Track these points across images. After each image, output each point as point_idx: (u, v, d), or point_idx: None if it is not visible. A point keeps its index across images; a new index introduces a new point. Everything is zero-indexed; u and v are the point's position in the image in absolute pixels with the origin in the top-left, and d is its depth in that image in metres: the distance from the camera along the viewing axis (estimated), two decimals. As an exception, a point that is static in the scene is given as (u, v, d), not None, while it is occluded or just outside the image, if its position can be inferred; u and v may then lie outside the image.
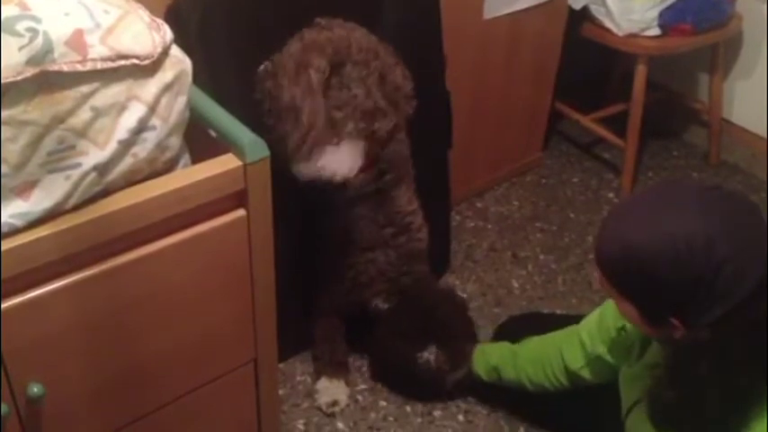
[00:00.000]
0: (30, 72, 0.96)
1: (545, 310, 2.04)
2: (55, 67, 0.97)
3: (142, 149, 1.11)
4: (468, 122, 2.20)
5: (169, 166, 1.19)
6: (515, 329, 1.73)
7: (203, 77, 1.41)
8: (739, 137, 2.65)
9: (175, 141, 1.16)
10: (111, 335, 1.20)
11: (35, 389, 1.12)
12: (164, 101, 1.10)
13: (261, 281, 1.34)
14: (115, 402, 1.27)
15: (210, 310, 1.31)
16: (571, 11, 2.32)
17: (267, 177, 1.27)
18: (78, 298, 1.13)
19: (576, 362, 1.52)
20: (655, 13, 2.24)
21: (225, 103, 1.28)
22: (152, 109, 1.09)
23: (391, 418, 1.78)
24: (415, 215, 1.75)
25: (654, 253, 1.08)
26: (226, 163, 1.21)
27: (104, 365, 1.21)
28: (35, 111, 0.98)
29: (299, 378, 1.88)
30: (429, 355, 1.74)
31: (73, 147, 1.03)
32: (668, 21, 2.25)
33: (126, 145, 1.08)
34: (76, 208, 1.09)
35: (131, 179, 1.13)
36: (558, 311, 2.04)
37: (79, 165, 1.05)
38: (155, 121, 1.10)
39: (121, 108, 1.06)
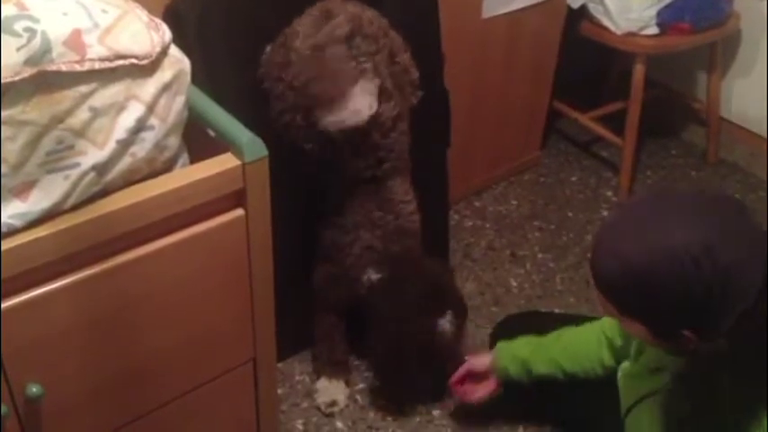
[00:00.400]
0: (28, 72, 0.96)
1: (543, 309, 2.04)
2: (53, 67, 0.97)
3: (141, 149, 1.11)
4: (467, 121, 2.20)
5: (168, 166, 1.19)
6: (513, 328, 1.73)
7: (202, 77, 1.41)
8: (738, 135, 2.65)
9: (174, 141, 1.16)
10: (111, 334, 1.20)
11: (34, 389, 1.12)
12: (162, 101, 1.10)
13: (260, 280, 1.34)
14: (114, 402, 1.27)
15: (209, 309, 1.31)
16: (569, 9, 2.32)
17: (266, 177, 1.27)
18: (77, 298, 1.13)
19: (611, 359, 1.50)
20: (653, 11, 2.24)
21: (223, 103, 1.28)
22: (150, 109, 1.09)
23: (390, 418, 1.78)
24: (409, 204, 1.75)
25: (658, 271, 1.06)
26: (224, 162, 1.21)
27: (103, 365, 1.21)
28: (33, 111, 0.98)
29: (297, 378, 1.88)
30: (446, 323, 1.69)
31: (71, 147, 1.03)
32: (666, 19, 2.25)
33: (124, 145, 1.08)
34: (75, 208, 1.08)
35: (130, 179, 1.13)
36: (557, 310, 2.04)
37: (78, 165, 1.04)
38: (153, 120, 1.10)
39: (120, 108, 1.06)
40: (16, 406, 1.14)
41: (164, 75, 1.09)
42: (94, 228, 1.10)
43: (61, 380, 1.17)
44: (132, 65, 1.05)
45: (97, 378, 1.22)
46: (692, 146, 2.74)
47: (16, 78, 0.95)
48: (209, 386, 1.38)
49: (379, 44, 1.54)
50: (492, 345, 1.79)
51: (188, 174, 1.19)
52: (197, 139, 1.25)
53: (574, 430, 1.68)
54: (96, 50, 1.01)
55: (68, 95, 1.00)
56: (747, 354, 1.08)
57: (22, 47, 0.95)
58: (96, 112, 1.04)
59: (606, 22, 2.31)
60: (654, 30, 2.27)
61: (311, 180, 1.72)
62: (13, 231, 1.04)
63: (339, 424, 1.77)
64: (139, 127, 1.09)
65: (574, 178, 2.57)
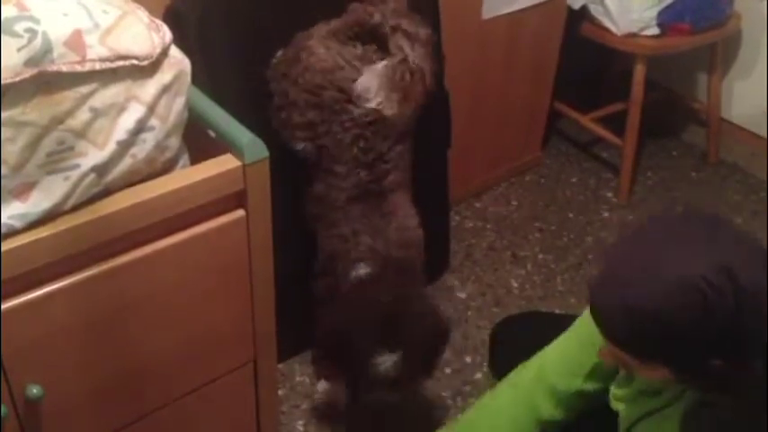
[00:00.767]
0: (28, 73, 0.95)
1: (544, 310, 2.04)
2: (54, 68, 0.97)
3: (141, 150, 1.10)
4: (467, 122, 2.20)
5: (168, 167, 1.18)
6: (514, 329, 1.72)
7: (202, 78, 1.41)
8: (738, 136, 2.65)
9: (174, 142, 1.16)
10: (111, 335, 1.20)
11: (34, 390, 1.11)
12: (162, 101, 1.10)
13: (260, 281, 1.34)
14: (114, 402, 1.26)
15: (209, 310, 1.31)
16: (570, 10, 2.32)
17: (266, 178, 1.26)
18: (77, 299, 1.13)
19: (548, 410, 1.37)
20: (653, 12, 2.24)
21: (224, 104, 1.28)
22: (151, 109, 1.09)
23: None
24: (411, 218, 1.72)
25: (678, 308, 0.98)
26: (225, 163, 1.20)
27: (103, 366, 1.21)
28: (34, 112, 0.98)
29: (298, 379, 1.88)
30: (391, 360, 1.49)
31: (72, 148, 1.03)
32: (667, 20, 2.25)
33: (125, 146, 1.08)
34: (75, 209, 1.08)
35: (130, 180, 1.13)
36: (558, 311, 2.04)
37: (78, 166, 1.04)
38: (153, 121, 1.10)
39: (120, 109, 1.06)
40: (16, 407, 1.14)
41: (164, 76, 1.09)
42: (95, 228, 1.10)
43: (61, 380, 1.17)
44: (133, 65, 1.04)
45: (97, 379, 1.22)
46: (693, 146, 2.74)
47: (17, 79, 0.95)
48: (209, 387, 1.38)
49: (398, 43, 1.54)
50: (492, 345, 1.79)
51: (188, 175, 1.19)
52: (197, 140, 1.25)
53: None
54: (97, 51, 1.01)
55: (69, 96, 1.00)
56: None
57: (23, 47, 0.95)
58: (97, 113, 1.03)
59: (607, 23, 2.31)
60: (654, 30, 2.27)
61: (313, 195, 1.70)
62: (13, 232, 1.03)
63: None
64: (140, 128, 1.09)
65: (574, 179, 2.57)
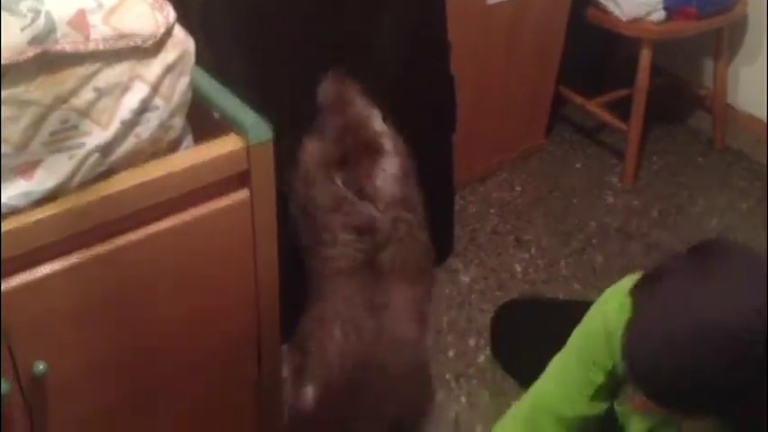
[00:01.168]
0: (32, 52, 0.96)
1: (547, 294, 2.04)
2: (57, 48, 0.98)
3: (145, 130, 1.11)
4: (471, 107, 2.20)
5: (172, 147, 1.19)
6: (516, 313, 1.73)
7: (206, 62, 1.42)
8: (744, 122, 2.64)
9: (178, 122, 1.17)
10: (115, 314, 1.21)
11: (40, 366, 1.13)
12: (166, 81, 1.10)
13: (264, 261, 1.35)
14: (118, 379, 1.28)
15: (213, 290, 1.32)
16: (575, -5, 2.32)
17: (270, 158, 1.27)
18: (82, 277, 1.14)
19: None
20: (659, -3, 2.24)
21: (228, 85, 1.29)
22: (155, 89, 1.09)
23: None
24: (409, 323, 1.51)
25: (728, 362, 0.93)
26: (229, 144, 1.21)
27: (108, 343, 1.22)
28: (37, 91, 0.98)
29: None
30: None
31: (76, 127, 1.04)
32: (673, 4, 2.24)
33: (129, 125, 1.09)
34: (80, 188, 1.09)
35: (135, 159, 1.14)
36: (561, 295, 2.04)
37: (82, 145, 1.05)
38: (157, 101, 1.10)
39: (124, 88, 1.07)
40: (21, 383, 1.15)
41: (168, 55, 1.10)
42: (99, 208, 1.11)
43: (66, 357, 1.18)
44: (137, 45, 1.05)
45: (101, 356, 1.23)
46: (698, 132, 2.73)
47: (20, 58, 0.95)
48: (211, 366, 1.39)
49: None
50: (495, 329, 1.80)
51: (192, 155, 1.20)
52: (201, 120, 1.25)
53: None
54: (101, 30, 1.01)
55: (73, 75, 1.01)
56: None
57: (27, 27, 0.96)
58: (101, 93, 1.04)
59: (612, 8, 2.30)
60: (660, 15, 2.26)
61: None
62: (17, 211, 1.04)
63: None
64: (144, 107, 1.09)
65: (578, 165, 2.57)
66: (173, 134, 1.17)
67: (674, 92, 2.74)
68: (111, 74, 1.04)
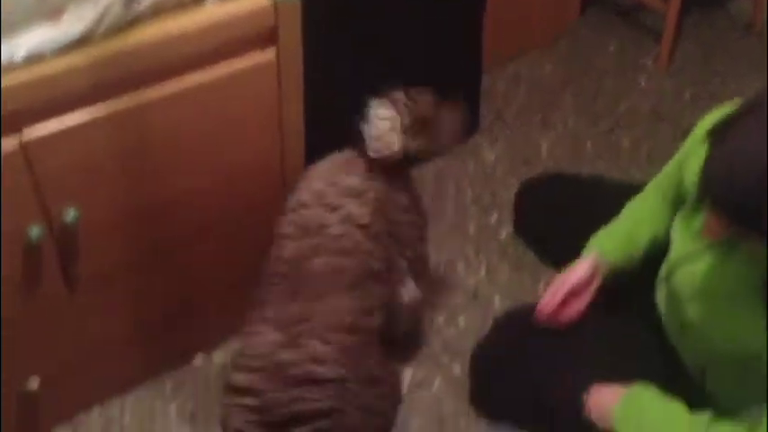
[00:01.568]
0: None
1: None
2: None
3: (171, -21, 1.09)
4: (505, -19, 2.13)
5: (199, 0, 1.17)
6: (540, 188, 1.72)
7: None
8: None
9: (205, -27, 1.14)
10: (142, 166, 1.22)
11: (71, 213, 1.15)
12: (193, -73, 1.07)
13: (290, 124, 1.35)
14: (146, 230, 1.30)
15: (238, 150, 1.33)
16: None
17: (298, 19, 1.25)
18: (110, 128, 1.15)
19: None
20: None
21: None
22: (181, -65, 1.06)
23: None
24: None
25: None
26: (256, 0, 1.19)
27: (136, 194, 1.24)
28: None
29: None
30: None
31: (101, -28, 1.02)
32: None
33: (154, -27, 1.07)
34: (105, 38, 1.08)
35: (160, 11, 1.12)
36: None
37: (107, -9, 1.04)
38: (184, -52, 1.08)
39: (150, -66, 1.04)
40: (53, 230, 1.18)
41: None
42: (124, 58, 1.11)
43: (95, 206, 1.21)
44: None
45: (129, 206, 1.25)
46: (737, 18, 2.64)
47: None
48: (232, 229, 1.42)
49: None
50: (518, 204, 1.79)
51: (219, 8, 1.18)
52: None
53: None
54: None
55: None
56: None
57: None
58: (126, -64, 1.02)
59: None
60: None
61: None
62: (44, 58, 1.04)
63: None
64: (170, -45, 1.07)
65: (612, 46, 2.50)
66: (199, -15, 1.14)
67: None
68: None
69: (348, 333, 1.24)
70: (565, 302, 1.36)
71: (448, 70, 1.92)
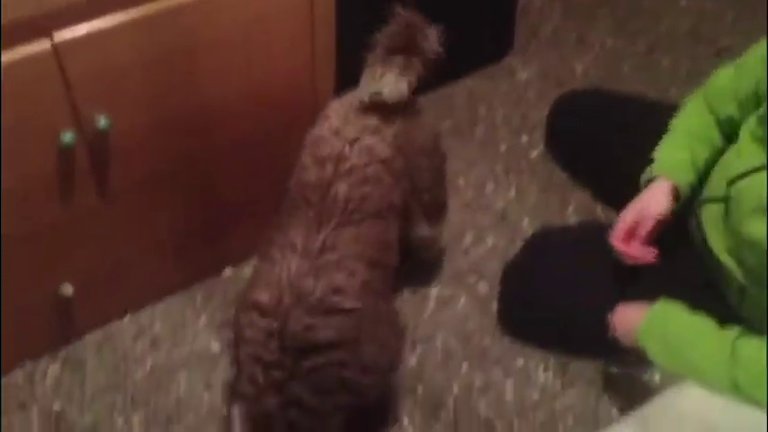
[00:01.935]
0: None
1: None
2: None
3: None
4: None
5: None
6: (574, 105, 1.69)
7: None
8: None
9: None
10: (175, 74, 1.22)
11: (102, 120, 1.15)
12: None
13: (321, 45, 1.33)
14: (174, 143, 1.31)
15: (270, 64, 1.31)
16: None
17: None
18: (142, 34, 1.14)
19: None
20: None
21: None
22: None
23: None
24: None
25: None
26: None
27: (168, 103, 1.24)
28: None
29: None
30: None
31: None
32: None
33: None
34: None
35: None
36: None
37: None
38: None
39: None
40: (86, 136, 1.18)
41: None
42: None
43: (127, 114, 1.21)
44: None
45: (161, 115, 1.25)
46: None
47: None
48: (266, 137, 1.41)
49: None
50: (550, 121, 1.77)
51: None
52: None
53: None
54: None
55: None
56: None
57: None
58: None
59: None
60: None
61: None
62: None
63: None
64: None
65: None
66: None
67: None
68: None
69: (368, 266, 1.24)
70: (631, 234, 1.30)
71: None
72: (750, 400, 1.05)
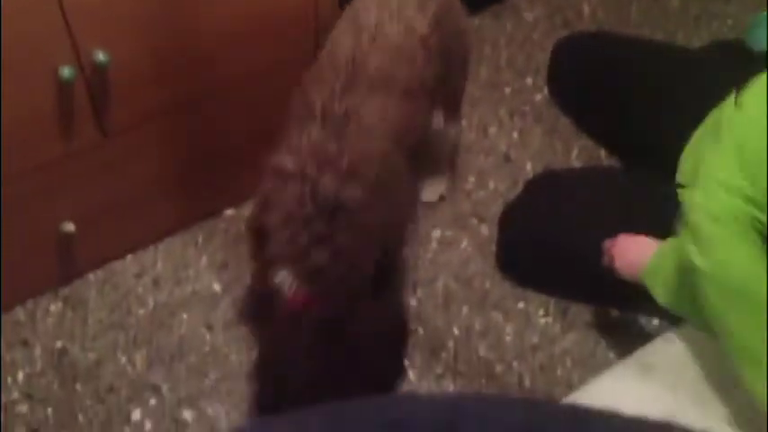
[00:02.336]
0: None
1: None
2: None
3: None
4: None
5: None
6: (577, 46, 1.65)
7: None
8: None
9: None
10: (174, 8, 1.19)
11: (100, 55, 1.13)
12: None
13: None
14: (176, 78, 1.28)
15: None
16: None
17: None
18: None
19: None
20: None
21: None
22: None
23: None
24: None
25: None
26: None
27: (167, 39, 1.22)
28: None
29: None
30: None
31: None
32: None
33: None
34: None
35: None
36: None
37: None
38: None
39: None
40: (84, 72, 1.16)
41: None
42: None
43: (126, 50, 1.19)
44: None
45: (161, 51, 1.23)
46: None
47: None
48: (266, 75, 1.39)
49: None
50: (553, 63, 1.73)
51: None
52: None
53: None
54: None
55: None
56: None
57: None
58: None
59: None
60: None
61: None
62: None
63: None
64: None
65: None
66: None
67: None
68: None
69: (393, 142, 1.23)
70: None
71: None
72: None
